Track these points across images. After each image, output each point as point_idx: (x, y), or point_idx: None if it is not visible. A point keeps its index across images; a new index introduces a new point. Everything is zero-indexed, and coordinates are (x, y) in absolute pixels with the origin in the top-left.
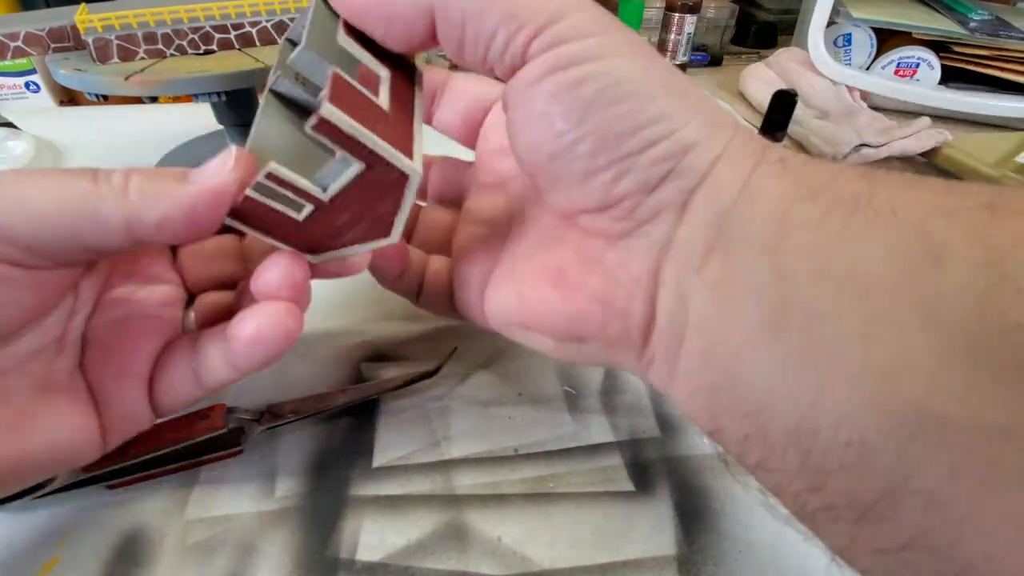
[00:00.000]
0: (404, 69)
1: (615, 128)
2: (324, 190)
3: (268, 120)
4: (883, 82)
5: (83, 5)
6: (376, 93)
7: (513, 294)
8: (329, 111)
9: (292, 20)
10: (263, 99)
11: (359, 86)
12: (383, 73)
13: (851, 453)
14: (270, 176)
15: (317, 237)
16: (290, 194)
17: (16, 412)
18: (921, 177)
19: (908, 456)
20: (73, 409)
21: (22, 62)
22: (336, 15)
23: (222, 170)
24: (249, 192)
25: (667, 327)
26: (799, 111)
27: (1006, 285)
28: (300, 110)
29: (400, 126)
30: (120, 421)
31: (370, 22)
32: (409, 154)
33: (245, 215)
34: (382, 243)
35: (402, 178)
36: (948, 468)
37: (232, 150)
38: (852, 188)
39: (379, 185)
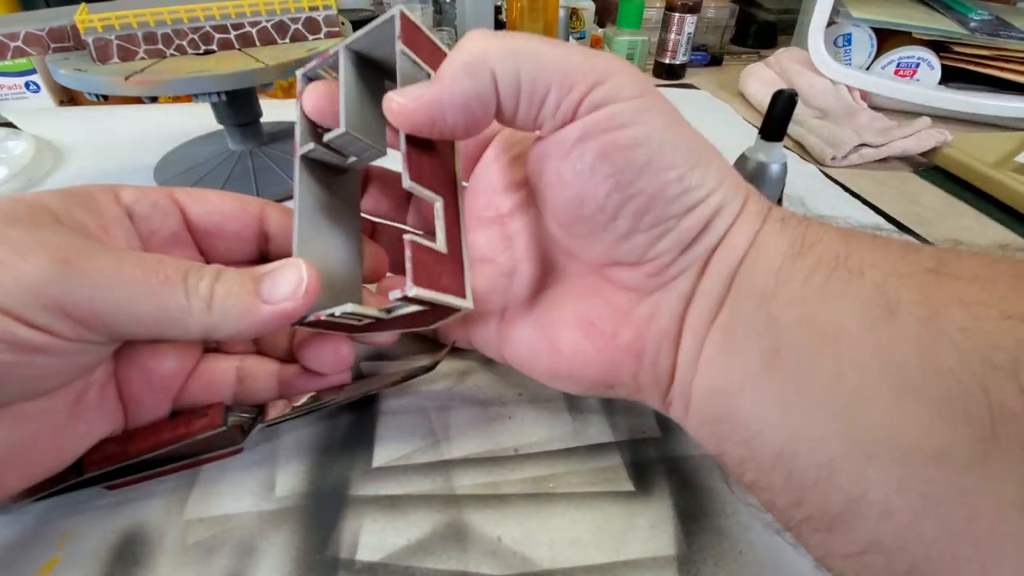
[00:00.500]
0: (443, 148)
1: (664, 193)
2: (388, 313)
3: (309, 221)
4: (883, 82)
5: (83, 5)
6: (434, 236)
7: (544, 343)
8: (416, 292)
9: (292, 20)
10: (297, 169)
11: (427, 243)
12: (438, 205)
13: (823, 472)
14: (346, 313)
15: (368, 332)
16: (357, 318)
17: (56, 432)
18: (886, 239)
19: (865, 474)
20: (104, 419)
21: (22, 62)
22: (368, 81)
23: (295, 295)
24: (324, 316)
25: (685, 370)
26: (799, 111)
27: (942, 336)
28: (330, 170)
29: (455, 265)
30: (143, 420)
31: (449, 121)
32: (463, 294)
33: (313, 323)
34: (420, 330)
35: (453, 311)
36: (896, 484)
37: (304, 275)
38: (834, 248)
39: (434, 312)
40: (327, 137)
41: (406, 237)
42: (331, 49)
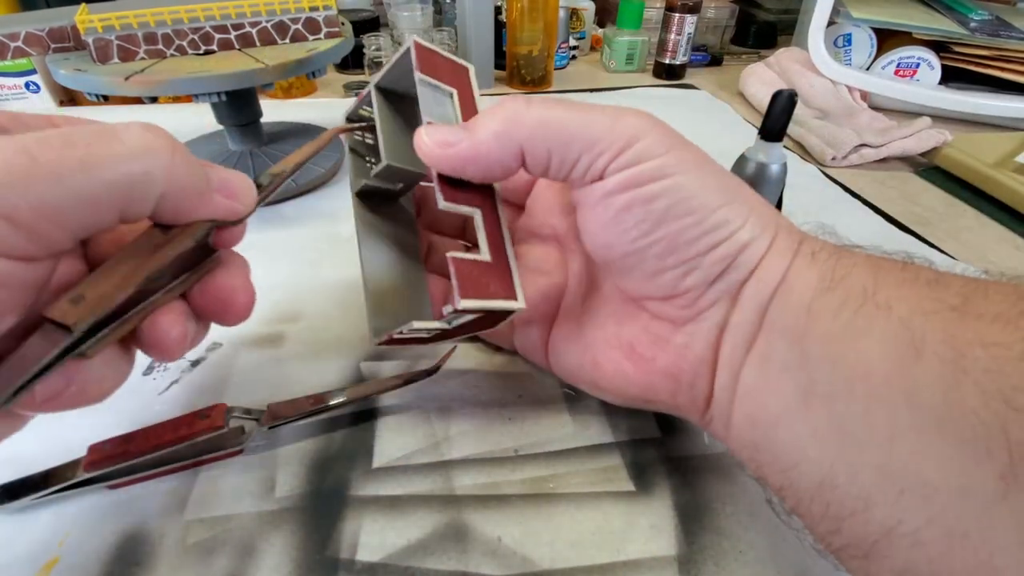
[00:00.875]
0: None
1: (684, 236)
2: (449, 324)
3: (371, 247)
4: (883, 82)
5: (83, 5)
6: (477, 247)
7: (587, 358)
8: (464, 304)
9: (292, 20)
10: (354, 205)
11: (470, 256)
12: (477, 216)
13: (859, 504)
14: (413, 329)
15: (441, 340)
16: (424, 331)
17: None
18: (914, 270)
19: (899, 507)
20: None
21: (22, 62)
22: (402, 112)
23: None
24: (394, 335)
25: (722, 395)
26: (799, 111)
27: (966, 378)
28: (384, 197)
29: (502, 270)
30: None
31: (469, 173)
32: (513, 296)
33: (388, 341)
34: (487, 331)
35: (509, 312)
36: (926, 518)
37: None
38: (862, 282)
39: (492, 315)
40: (373, 172)
41: (448, 255)
42: (365, 90)
